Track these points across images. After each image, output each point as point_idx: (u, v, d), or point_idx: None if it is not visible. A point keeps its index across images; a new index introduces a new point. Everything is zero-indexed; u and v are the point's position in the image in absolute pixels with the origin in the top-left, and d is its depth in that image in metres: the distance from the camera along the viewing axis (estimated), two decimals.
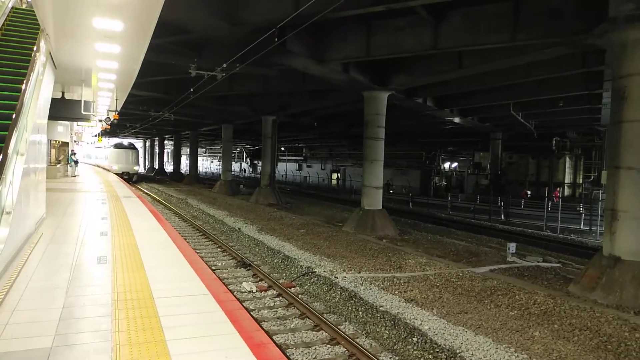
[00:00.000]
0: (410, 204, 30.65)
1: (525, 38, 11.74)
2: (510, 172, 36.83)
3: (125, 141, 45.91)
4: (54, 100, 12.19)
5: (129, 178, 38.87)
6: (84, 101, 14.20)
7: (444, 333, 7.07)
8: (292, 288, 10.10)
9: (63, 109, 14.78)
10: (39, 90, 8.17)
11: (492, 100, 22.91)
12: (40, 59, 8.44)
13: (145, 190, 32.67)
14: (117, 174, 37.03)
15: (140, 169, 54.56)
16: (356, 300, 8.81)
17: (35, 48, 8.57)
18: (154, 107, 27.64)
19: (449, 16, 12.45)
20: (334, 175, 56.24)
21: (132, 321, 4.25)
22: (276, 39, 10.64)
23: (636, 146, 9.26)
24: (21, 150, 6.40)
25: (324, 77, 16.72)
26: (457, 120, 27.61)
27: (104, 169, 43.05)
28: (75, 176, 26.15)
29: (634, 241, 9.22)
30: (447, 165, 50.37)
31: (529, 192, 32.32)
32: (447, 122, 29.66)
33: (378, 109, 18.04)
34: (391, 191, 34.32)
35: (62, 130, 24.81)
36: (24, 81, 7.33)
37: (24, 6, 13.04)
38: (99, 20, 7.17)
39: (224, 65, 13.73)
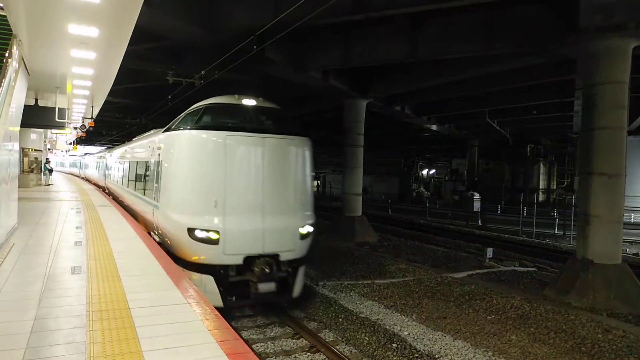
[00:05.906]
0: (389, 210, 30.87)
1: (500, 47, 12.02)
2: (486, 178, 37.47)
3: (244, 96, 9.08)
4: (26, 107, 11.88)
5: (275, 293, 7.91)
6: (59, 108, 13.88)
7: (423, 338, 7.13)
8: None
9: (36, 116, 14.40)
10: (11, 97, 7.96)
11: (469, 108, 23.33)
12: (13, 65, 8.24)
13: None
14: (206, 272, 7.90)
15: None
16: (336, 307, 8.82)
17: (7, 54, 8.37)
18: (131, 114, 27.23)
19: (426, 25, 12.65)
20: (314, 182, 56.31)
21: (107, 332, 4.15)
22: (255, 46, 10.64)
23: (607, 152, 9.55)
24: None
25: (304, 84, 16.78)
26: (434, 127, 28.01)
27: (133, 214, 12.74)
28: (49, 185, 25.51)
29: (606, 244, 9.49)
30: (425, 171, 50.99)
31: None
32: (425, 129, 30.03)
33: (357, 116, 18.18)
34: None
35: (36, 137, 24.21)
36: None
37: None
38: (74, 26, 7.04)
39: (203, 72, 13.64)
